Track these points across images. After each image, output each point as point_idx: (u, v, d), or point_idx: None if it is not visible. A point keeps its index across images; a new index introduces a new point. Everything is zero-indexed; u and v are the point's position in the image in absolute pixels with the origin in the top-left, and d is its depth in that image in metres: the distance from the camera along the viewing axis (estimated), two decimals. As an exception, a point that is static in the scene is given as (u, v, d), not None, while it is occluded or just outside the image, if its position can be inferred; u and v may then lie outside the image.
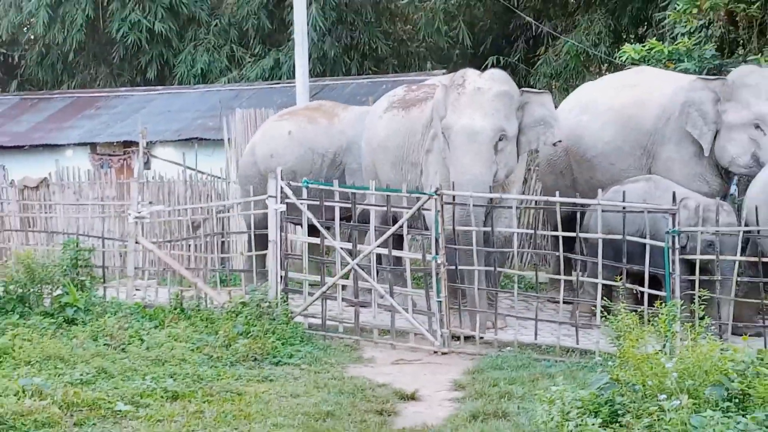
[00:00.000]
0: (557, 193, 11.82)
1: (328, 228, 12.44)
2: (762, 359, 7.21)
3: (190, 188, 17.73)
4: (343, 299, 12.34)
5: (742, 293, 11.30)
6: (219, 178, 18.28)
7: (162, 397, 8.98)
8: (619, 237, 11.11)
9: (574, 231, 11.65)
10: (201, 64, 28.02)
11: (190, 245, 14.83)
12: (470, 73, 12.64)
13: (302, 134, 14.80)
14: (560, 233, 11.61)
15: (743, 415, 6.48)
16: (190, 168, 18.58)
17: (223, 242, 15.33)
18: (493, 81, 12.40)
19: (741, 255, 11.17)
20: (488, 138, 12.02)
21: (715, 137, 12.46)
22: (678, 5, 15.85)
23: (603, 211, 11.29)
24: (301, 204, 12.55)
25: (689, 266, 10.99)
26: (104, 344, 10.91)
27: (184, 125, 23.18)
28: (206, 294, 13.10)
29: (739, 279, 11.11)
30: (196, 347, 10.83)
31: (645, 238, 11.02)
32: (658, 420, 6.42)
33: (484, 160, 12.00)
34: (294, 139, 14.77)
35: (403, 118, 13.38)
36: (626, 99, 13.18)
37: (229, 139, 18.60)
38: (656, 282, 10.90)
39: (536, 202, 14.13)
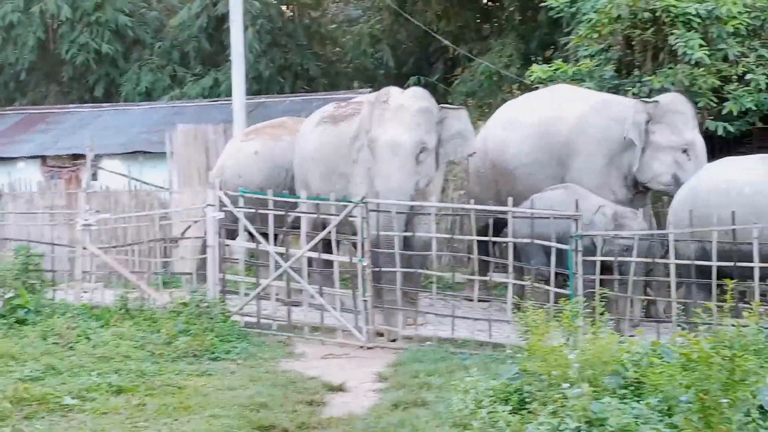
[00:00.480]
0: (472, 201, 11.95)
1: (266, 234, 12.37)
2: (655, 350, 7.29)
3: (135, 198, 17.57)
4: (276, 299, 12.28)
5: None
6: (162, 188, 18.12)
7: (107, 391, 8.87)
8: (527, 241, 11.26)
9: (496, 236, 11.78)
10: (145, 83, 27.81)
11: (134, 250, 14.67)
12: (394, 91, 12.71)
13: (268, 152, 14.71)
14: (474, 237, 11.70)
15: (638, 401, 6.55)
16: (134, 179, 18.43)
17: (165, 247, 15.19)
18: (415, 98, 12.47)
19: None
20: (410, 150, 12.07)
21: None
22: (580, 31, 16.03)
23: (522, 217, 11.49)
24: (238, 212, 12.50)
25: (604, 267, 11.13)
26: (53, 343, 10.74)
27: (129, 139, 22.88)
28: (149, 295, 12.95)
29: (638, 278, 11.29)
30: (140, 345, 10.71)
31: (552, 241, 11.12)
32: (562, 406, 6.45)
33: (407, 170, 12.05)
34: (260, 157, 14.69)
35: (332, 133, 13.35)
36: (543, 115, 13.35)
37: (171, 152, 18.45)
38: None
39: (453, 209, 14.18)
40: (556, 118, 13.25)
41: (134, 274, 13.64)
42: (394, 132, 12.11)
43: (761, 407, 6.16)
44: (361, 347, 11.42)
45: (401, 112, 12.24)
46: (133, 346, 10.63)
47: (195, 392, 8.92)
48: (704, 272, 10.66)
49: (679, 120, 12.75)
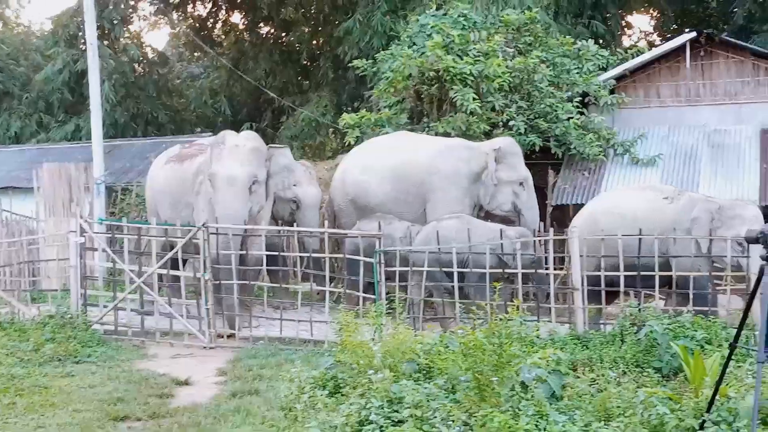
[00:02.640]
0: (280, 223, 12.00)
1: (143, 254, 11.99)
2: (442, 341, 7.43)
3: (6, 226, 16.76)
4: (131, 309, 11.92)
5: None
6: (30, 218, 17.38)
7: (-20, 394, 8.39)
8: (350, 257, 11.43)
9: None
10: (15, 129, 26.76)
11: (5, 271, 14.00)
12: (229, 134, 12.68)
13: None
14: (298, 254, 11.73)
15: (429, 382, 6.65)
16: (5, 210, 17.62)
17: (33, 269, 14.55)
18: (247, 139, 12.51)
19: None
20: (244, 182, 12.04)
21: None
22: (380, 86, 16.31)
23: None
24: (97, 237, 12.15)
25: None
26: (-70, 354, 10.09)
27: (1, 177, 21.76)
28: (19, 310, 12.35)
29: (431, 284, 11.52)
30: (10, 352, 10.17)
31: (360, 255, 11.24)
32: (369, 389, 6.49)
33: (241, 199, 12.01)
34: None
35: (178, 169, 13.26)
36: (398, 159, 13.47)
37: (38, 187, 17.71)
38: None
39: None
40: (408, 161, 13.39)
41: (5, 292, 13.01)
42: (230, 167, 12.05)
43: (523, 383, 6.36)
44: (205, 348, 11.21)
45: (236, 151, 12.19)
46: (4, 354, 10.09)
47: (60, 391, 8.55)
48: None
49: (514, 159, 13.26)
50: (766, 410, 5.65)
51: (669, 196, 11.46)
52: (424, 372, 7.02)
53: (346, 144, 16.45)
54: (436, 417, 5.84)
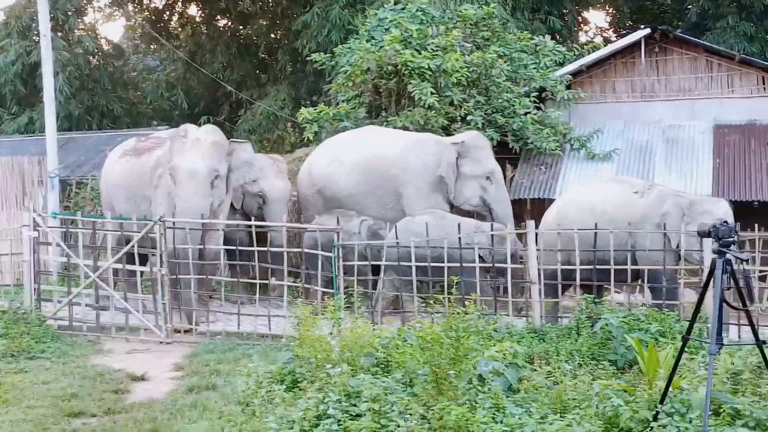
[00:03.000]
0: (252, 218, 11.92)
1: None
2: (400, 335, 7.45)
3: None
4: (86, 304, 11.78)
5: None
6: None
7: (-70, 392, 8.24)
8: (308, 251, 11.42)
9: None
10: (-34, 122, 26.07)
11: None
12: (191, 127, 12.56)
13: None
14: (260, 248, 11.63)
15: (387, 376, 6.68)
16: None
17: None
18: (208, 133, 12.39)
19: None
20: (206, 176, 11.95)
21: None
22: (339, 80, 16.28)
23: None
24: (51, 231, 11.98)
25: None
26: None
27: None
28: (-29, 305, 12.14)
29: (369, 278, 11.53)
30: (-38, 349, 10.00)
31: (318, 249, 11.23)
32: (327, 383, 6.50)
33: (202, 192, 11.91)
34: None
35: (135, 163, 13.09)
36: (367, 153, 13.48)
37: (-9, 179, 17.46)
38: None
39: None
40: (379, 155, 13.43)
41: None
42: (192, 160, 11.94)
43: (480, 376, 6.42)
44: (161, 343, 11.11)
45: (198, 145, 12.08)
46: (-44, 350, 9.92)
47: (13, 387, 8.42)
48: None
49: (479, 153, 13.29)
50: (718, 401, 5.75)
51: (639, 190, 11.55)
52: (382, 366, 7.05)
53: (305, 138, 16.40)
54: (393, 410, 5.87)
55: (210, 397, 7.93)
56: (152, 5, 31.46)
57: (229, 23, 30.79)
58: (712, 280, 5.38)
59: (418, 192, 13.19)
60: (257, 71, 29.79)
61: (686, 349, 5.92)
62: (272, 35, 29.95)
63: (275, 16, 29.30)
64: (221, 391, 8.09)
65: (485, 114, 15.24)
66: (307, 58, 20.02)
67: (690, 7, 26.00)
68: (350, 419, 5.88)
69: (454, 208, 13.32)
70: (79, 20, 27.34)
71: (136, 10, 31.60)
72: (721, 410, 5.68)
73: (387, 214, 13.07)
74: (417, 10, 16.83)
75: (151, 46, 32.04)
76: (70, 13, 25.99)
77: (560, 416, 5.89)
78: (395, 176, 13.30)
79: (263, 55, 30.00)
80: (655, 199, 11.32)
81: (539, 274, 10.61)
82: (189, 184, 11.95)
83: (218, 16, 30.80)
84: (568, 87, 16.82)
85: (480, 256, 11.21)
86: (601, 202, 11.45)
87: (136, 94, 30.46)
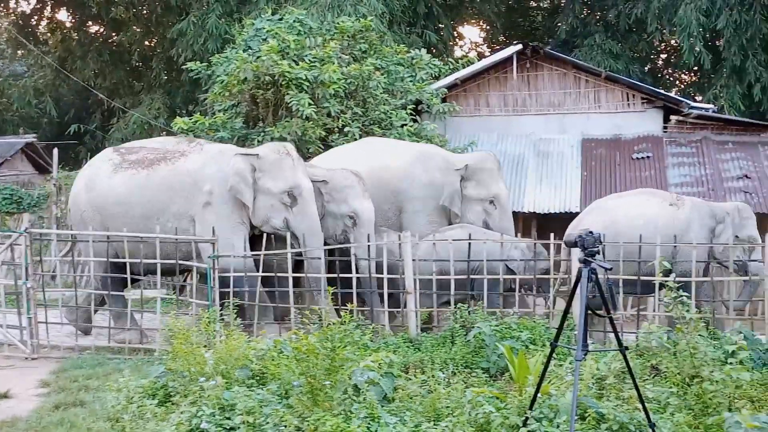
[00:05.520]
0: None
1: None
2: (275, 346, 7.42)
3: None
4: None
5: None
6: None
7: None
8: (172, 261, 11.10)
9: None
10: None
11: None
12: (289, 146, 11.94)
13: None
14: (133, 260, 11.28)
15: (262, 388, 6.64)
16: None
17: None
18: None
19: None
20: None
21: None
22: (215, 90, 16.08)
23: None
24: None
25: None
26: None
27: None
28: None
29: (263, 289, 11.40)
30: None
31: (192, 260, 11.01)
32: (200, 397, 6.41)
33: None
34: None
35: (151, 176, 11.58)
36: (373, 165, 12.69)
37: None
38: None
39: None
40: (385, 167, 12.75)
41: None
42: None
43: (355, 386, 6.44)
44: (26, 358, 10.67)
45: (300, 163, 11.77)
46: None
47: None
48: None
49: (485, 175, 12.89)
50: (584, 406, 5.96)
51: (672, 202, 11.74)
52: (258, 378, 7.00)
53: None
54: (268, 423, 5.84)
55: (78, 413, 7.65)
56: (19, 9, 30.42)
57: (102, 30, 30.10)
58: (577, 288, 5.56)
59: (424, 207, 12.70)
60: (131, 79, 29.19)
61: (555, 355, 6.10)
62: (147, 43, 29.42)
63: (150, 23, 28.79)
64: (90, 408, 7.82)
65: (363, 126, 15.33)
66: (183, 67, 19.72)
67: (560, 24, 27.00)
68: (224, 432, 5.81)
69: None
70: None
71: (2, 13, 30.47)
72: (587, 414, 5.89)
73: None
74: (294, 21, 16.82)
75: (18, 52, 30.91)
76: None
77: (434, 424, 5.98)
78: (400, 191, 12.72)
79: (137, 63, 29.41)
80: (692, 209, 11.57)
81: (414, 284, 10.73)
82: (312, 204, 11.53)
83: (89, 22, 30.04)
84: (444, 100, 17.13)
85: (511, 270, 11.24)
86: (642, 215, 11.40)
87: (1, 100, 29.30)
